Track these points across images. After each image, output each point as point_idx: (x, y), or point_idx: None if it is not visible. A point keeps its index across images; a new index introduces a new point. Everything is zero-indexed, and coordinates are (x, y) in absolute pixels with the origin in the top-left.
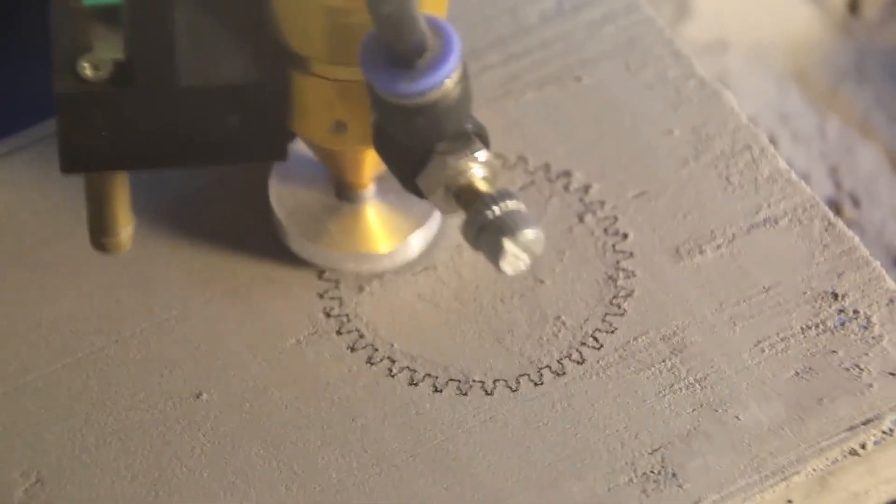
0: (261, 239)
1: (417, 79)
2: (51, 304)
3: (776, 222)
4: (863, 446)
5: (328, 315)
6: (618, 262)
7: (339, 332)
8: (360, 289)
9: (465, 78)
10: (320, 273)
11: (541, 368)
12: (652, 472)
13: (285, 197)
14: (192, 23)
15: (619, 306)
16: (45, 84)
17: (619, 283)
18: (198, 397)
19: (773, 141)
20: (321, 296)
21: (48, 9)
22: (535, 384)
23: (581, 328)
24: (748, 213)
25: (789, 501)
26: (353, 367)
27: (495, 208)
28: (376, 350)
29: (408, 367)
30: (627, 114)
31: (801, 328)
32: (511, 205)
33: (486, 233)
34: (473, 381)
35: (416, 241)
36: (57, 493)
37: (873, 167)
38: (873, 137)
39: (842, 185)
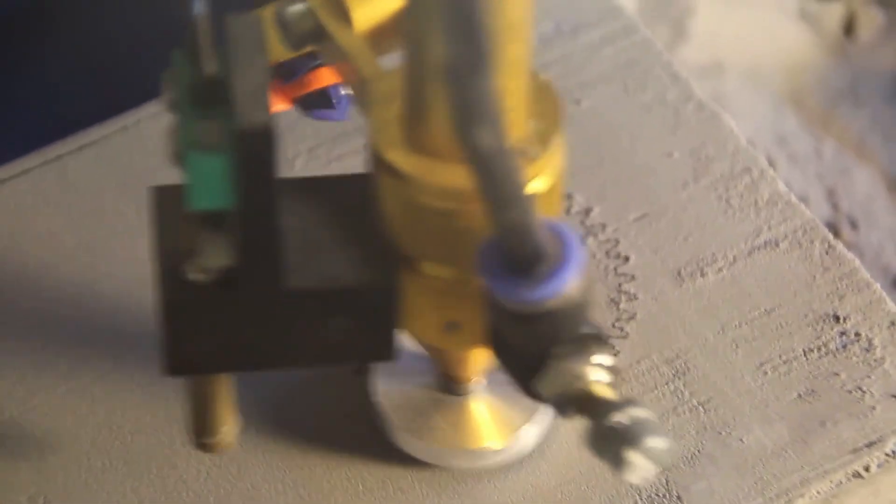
0: None
1: (537, 286)
2: (56, 327)
3: (777, 245)
4: (866, 469)
5: None
6: (620, 284)
7: None
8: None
9: (587, 283)
10: None
11: None
12: (657, 495)
13: (389, 391)
14: (301, 224)
15: (621, 329)
16: (47, 107)
17: (622, 306)
18: None
19: (770, 163)
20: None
21: (151, 209)
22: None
23: None
24: (749, 236)
25: None
26: (357, 389)
27: (617, 416)
28: None
29: None
30: (626, 136)
31: (804, 350)
32: (634, 412)
33: (609, 442)
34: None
35: (529, 435)
36: None
37: (870, 189)
38: (869, 159)
39: (839, 207)
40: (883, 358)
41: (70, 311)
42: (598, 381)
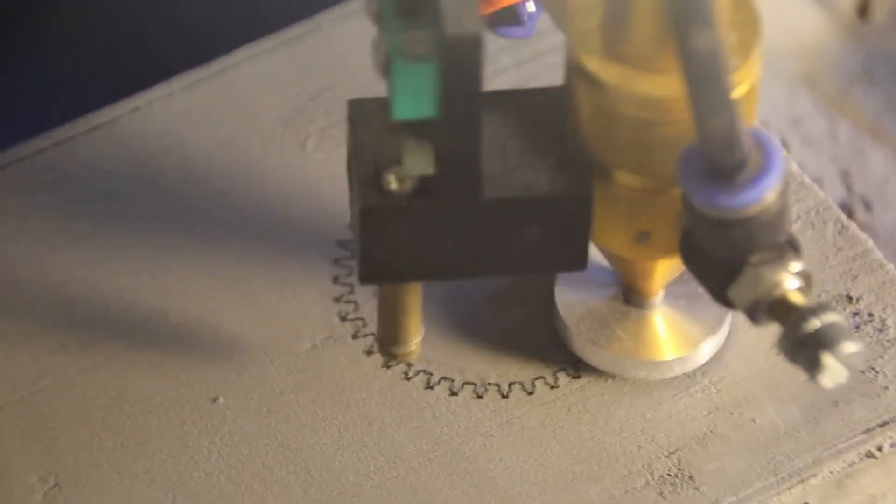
0: (275, 243)
1: (738, 193)
2: (66, 308)
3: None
4: (879, 448)
5: (344, 319)
6: None
7: (354, 337)
8: (376, 293)
9: (785, 191)
10: (335, 277)
11: (556, 371)
12: (668, 474)
13: (573, 302)
14: (498, 134)
15: None
16: (58, 88)
17: None
18: (214, 401)
19: (784, 145)
20: (337, 300)
21: (348, 116)
22: (551, 387)
23: None
24: None
25: None
26: (368, 372)
27: (812, 322)
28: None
29: (424, 371)
30: None
31: None
32: (828, 317)
33: (804, 347)
34: (489, 384)
35: (707, 349)
36: (75, 496)
37: (885, 171)
38: (884, 141)
39: (853, 188)
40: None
41: (81, 292)
42: (791, 288)
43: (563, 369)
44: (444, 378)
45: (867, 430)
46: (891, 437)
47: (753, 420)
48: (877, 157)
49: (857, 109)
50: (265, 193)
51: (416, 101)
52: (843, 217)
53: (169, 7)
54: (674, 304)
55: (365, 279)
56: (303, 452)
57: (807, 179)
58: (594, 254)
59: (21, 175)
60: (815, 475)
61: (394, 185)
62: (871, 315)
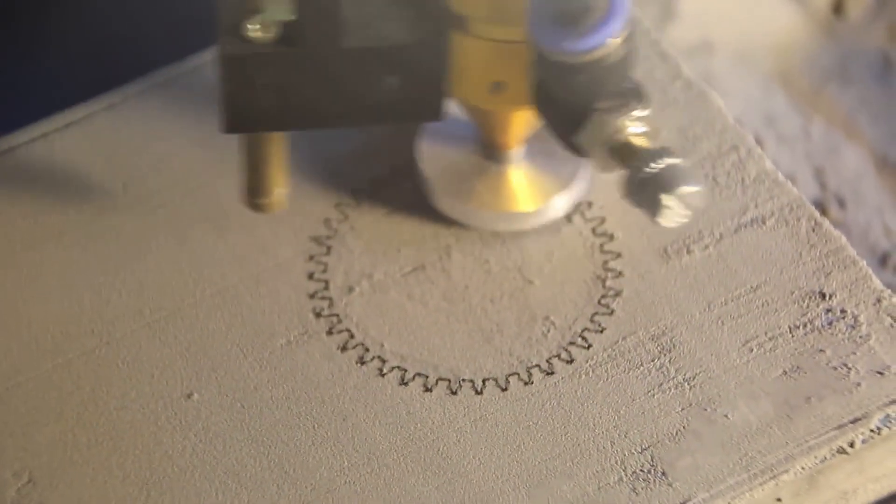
0: (250, 239)
1: (584, 37)
2: (41, 305)
3: (763, 222)
4: (851, 445)
5: (318, 315)
6: (606, 262)
7: (329, 333)
8: (350, 289)
9: (630, 38)
10: (310, 273)
11: (530, 368)
12: (641, 470)
13: (434, 157)
14: None
15: (607, 306)
16: (34, 85)
17: (608, 283)
18: (189, 397)
19: (758, 142)
20: (311, 296)
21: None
22: (525, 383)
23: (570, 328)
24: (735, 213)
25: (778, 500)
26: (343, 367)
27: (654, 164)
28: (367, 350)
29: (398, 367)
30: None
31: (789, 327)
32: (670, 160)
33: (645, 188)
34: (463, 380)
35: (562, 203)
36: (49, 492)
37: (858, 168)
38: (858, 138)
39: (827, 185)
40: (868, 335)
41: (55, 288)
42: (636, 133)
43: (536, 366)
44: (419, 374)
45: (839, 427)
46: (862, 434)
47: (726, 416)
48: (850, 155)
49: (832, 107)
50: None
51: None
52: (817, 214)
53: (144, 5)
54: (531, 161)
55: (228, 128)
56: (277, 448)
57: (780, 177)
58: (458, 111)
59: None
60: (787, 471)
61: (256, 32)
62: (843, 311)
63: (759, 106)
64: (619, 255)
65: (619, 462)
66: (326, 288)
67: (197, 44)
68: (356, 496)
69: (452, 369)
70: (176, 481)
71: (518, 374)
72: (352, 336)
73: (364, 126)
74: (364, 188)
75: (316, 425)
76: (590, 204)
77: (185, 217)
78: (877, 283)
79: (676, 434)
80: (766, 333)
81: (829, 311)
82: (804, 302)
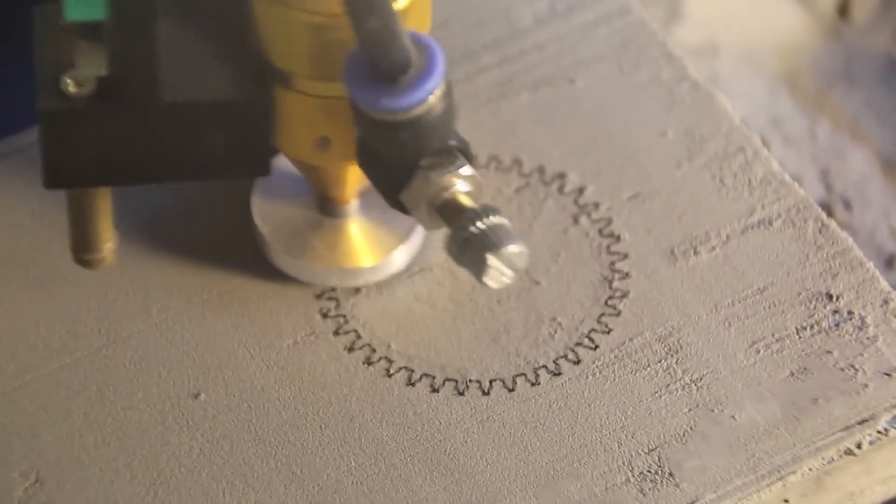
0: (256, 239)
1: (401, 95)
2: (48, 305)
3: (770, 224)
4: (858, 446)
5: (325, 316)
6: (612, 263)
7: (336, 333)
8: (357, 290)
9: (448, 94)
10: None
11: (537, 369)
12: (649, 471)
13: (268, 213)
14: (175, 38)
15: (614, 307)
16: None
17: (615, 284)
18: (196, 397)
19: (764, 144)
20: (318, 297)
21: (34, 27)
22: (532, 384)
23: (577, 329)
24: (742, 215)
25: (785, 501)
26: (350, 368)
27: (479, 223)
28: (374, 350)
29: (405, 368)
30: (621, 116)
31: (796, 329)
32: (494, 220)
33: (470, 248)
34: (470, 381)
35: (400, 256)
36: (56, 492)
37: (864, 170)
38: (864, 141)
39: (833, 187)
40: (875, 336)
41: (62, 287)
42: (460, 191)
43: (543, 367)
44: (426, 375)
45: (846, 428)
46: (870, 435)
47: (733, 417)
48: (856, 157)
49: (837, 109)
50: (249, 189)
51: (86, 2)
52: (824, 216)
53: None
54: (367, 214)
55: (49, 184)
56: (284, 449)
57: (787, 178)
58: (290, 165)
59: (5, 170)
60: (794, 472)
61: (72, 88)
62: (850, 313)
63: (765, 107)
64: (625, 257)
65: (626, 463)
66: (333, 288)
67: None
68: (363, 496)
69: (459, 370)
70: (183, 481)
71: (525, 375)
72: (359, 337)
73: (190, 182)
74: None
75: (323, 426)
76: (596, 205)
77: (194, 216)
78: (884, 284)
79: (683, 435)
80: (773, 335)
81: (836, 312)
82: (811, 303)
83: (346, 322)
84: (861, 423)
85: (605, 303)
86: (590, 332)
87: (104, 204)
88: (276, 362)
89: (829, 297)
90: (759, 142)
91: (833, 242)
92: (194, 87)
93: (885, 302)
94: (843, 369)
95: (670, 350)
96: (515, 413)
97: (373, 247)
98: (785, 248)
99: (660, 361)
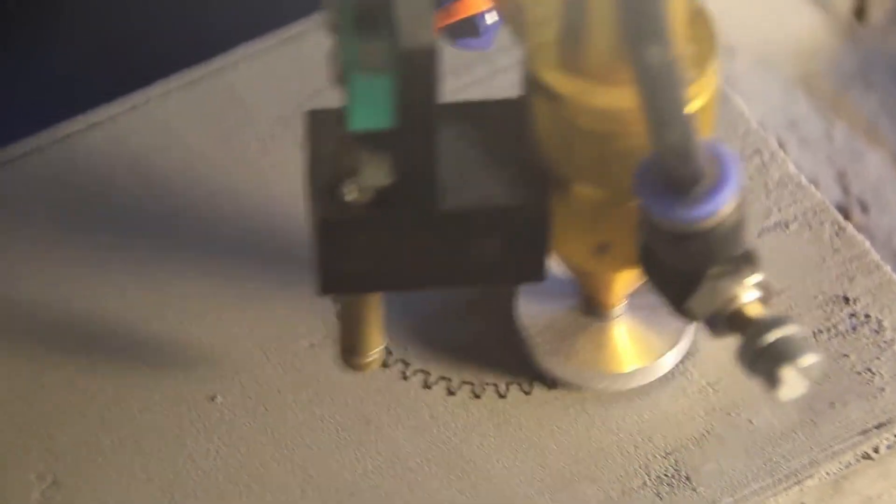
0: (273, 242)
1: (695, 205)
2: (65, 306)
3: (786, 227)
4: (876, 450)
5: None
6: None
7: None
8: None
9: (742, 203)
10: None
11: None
12: (665, 475)
13: (533, 314)
14: (456, 146)
15: None
16: (57, 86)
17: None
18: (212, 400)
19: (780, 146)
20: (335, 300)
21: (304, 127)
22: (549, 387)
23: None
24: (759, 218)
25: None
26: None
27: (770, 334)
28: (390, 353)
29: (421, 371)
30: None
31: (813, 332)
32: (787, 330)
33: (763, 360)
34: (487, 383)
35: (669, 360)
36: (72, 494)
37: (881, 172)
38: (880, 143)
39: (850, 190)
40: (893, 339)
41: (79, 290)
42: (749, 300)
43: None
44: (442, 378)
45: (864, 432)
46: (887, 439)
47: (750, 421)
48: (873, 159)
49: (854, 111)
50: (264, 192)
51: (373, 112)
52: (840, 218)
53: (168, 5)
54: (635, 315)
55: (323, 291)
56: (300, 451)
57: (804, 181)
58: (555, 265)
59: (19, 173)
60: (811, 476)
61: (351, 196)
62: (867, 316)
63: (782, 110)
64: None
65: (642, 466)
66: None
67: (220, 44)
68: (379, 499)
69: (476, 373)
70: (199, 484)
71: (542, 378)
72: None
73: (463, 287)
74: None
75: (339, 429)
76: None
77: (208, 220)
78: None
79: (700, 439)
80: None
81: (852, 315)
82: (828, 307)
83: None
84: (878, 426)
85: None
86: None
87: (375, 309)
88: (292, 365)
89: (846, 300)
90: (776, 144)
91: (850, 245)
92: (474, 193)
93: None
94: (860, 373)
95: (687, 353)
96: (532, 416)
97: (640, 350)
98: (801, 252)
99: (676, 365)
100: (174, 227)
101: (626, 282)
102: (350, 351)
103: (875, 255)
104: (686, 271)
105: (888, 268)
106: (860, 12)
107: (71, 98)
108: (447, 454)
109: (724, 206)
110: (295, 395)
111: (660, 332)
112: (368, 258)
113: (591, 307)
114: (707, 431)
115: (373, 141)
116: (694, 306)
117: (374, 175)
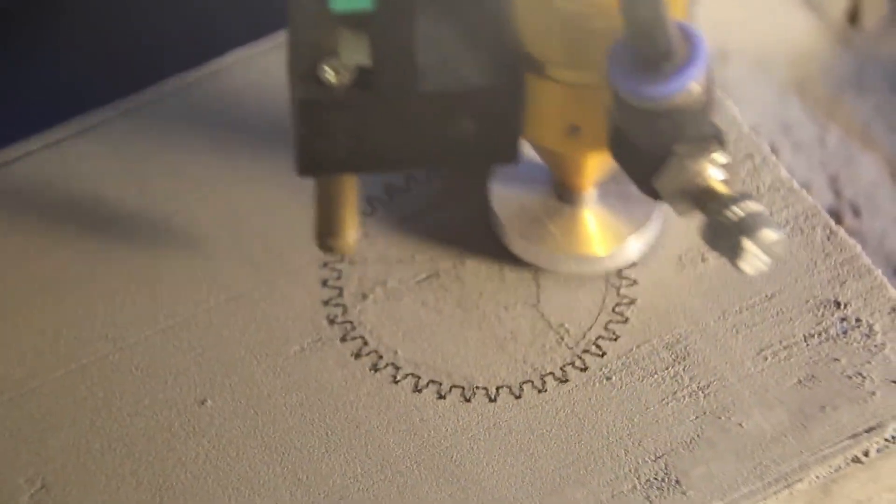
0: (264, 246)
1: (665, 82)
2: (55, 311)
3: None
4: (865, 454)
5: (332, 322)
6: (620, 270)
7: (343, 340)
8: (364, 296)
9: (710, 81)
10: (324, 280)
11: (544, 375)
12: (655, 478)
13: (506, 199)
14: (432, 28)
15: (621, 314)
16: (49, 91)
17: (622, 291)
18: (202, 404)
19: (774, 150)
20: (325, 303)
21: (286, 10)
22: (539, 391)
23: (584, 336)
24: None
25: None
26: (357, 374)
27: (735, 209)
28: (381, 357)
29: (412, 374)
30: None
31: (804, 336)
32: (751, 205)
33: (726, 233)
34: (477, 387)
35: (635, 245)
36: (62, 498)
37: (873, 177)
38: (873, 147)
39: (842, 194)
40: (883, 344)
41: (70, 294)
42: (715, 178)
43: (550, 374)
44: (432, 381)
45: (854, 436)
46: (877, 443)
47: (740, 425)
48: (866, 164)
49: (847, 116)
50: (255, 196)
51: None
52: (832, 222)
53: (160, 11)
54: (605, 202)
55: (302, 171)
56: (290, 455)
57: (795, 185)
58: (529, 152)
59: (12, 177)
60: (801, 480)
61: (331, 76)
62: (858, 320)
63: (775, 114)
64: (633, 264)
65: (632, 470)
66: (340, 295)
67: (214, 49)
68: (369, 503)
69: (466, 377)
70: (189, 488)
71: (532, 382)
72: (365, 343)
73: (438, 168)
74: (379, 196)
75: (329, 432)
76: None
77: (200, 223)
78: (892, 291)
79: (690, 442)
80: (780, 342)
81: (843, 319)
82: (819, 311)
83: (353, 328)
84: (868, 430)
85: (613, 310)
86: (597, 338)
87: (352, 191)
88: (282, 368)
89: (837, 304)
90: (768, 149)
91: (841, 250)
92: (450, 77)
93: (894, 309)
94: (850, 377)
95: (677, 357)
96: (522, 420)
97: (608, 235)
98: (793, 256)
99: (667, 368)
100: (166, 232)
101: (596, 166)
102: (325, 232)
103: (866, 260)
104: (654, 150)
105: (879, 272)
106: (854, 17)
107: (63, 102)
108: (437, 458)
109: (692, 83)
110: (285, 399)
111: (628, 218)
112: (346, 139)
113: (563, 192)
114: (697, 435)
115: (353, 22)
116: (662, 183)
117: (354, 54)
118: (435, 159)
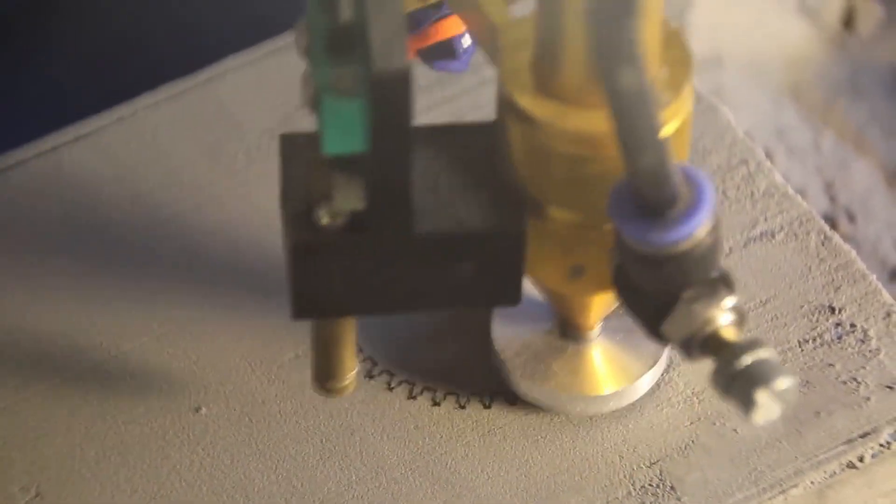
0: (259, 253)
1: (669, 229)
2: (50, 318)
3: (773, 236)
4: (860, 459)
5: None
6: None
7: None
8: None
9: (716, 227)
10: None
11: None
12: (650, 485)
13: (509, 337)
14: (430, 169)
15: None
16: (43, 98)
17: None
18: (197, 411)
19: (768, 156)
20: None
21: (281, 156)
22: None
23: None
24: (745, 227)
25: None
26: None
27: (745, 358)
28: (375, 364)
29: (406, 381)
30: None
31: (798, 341)
32: (761, 353)
33: (738, 384)
34: (472, 394)
35: (645, 383)
36: None
37: (868, 182)
38: (868, 153)
39: (837, 199)
40: (878, 349)
41: (64, 302)
42: (724, 324)
43: None
44: (427, 388)
45: (849, 441)
46: (872, 448)
47: (735, 430)
48: (861, 169)
49: (842, 121)
50: (250, 203)
51: (346, 135)
52: (827, 228)
53: (154, 17)
54: (611, 338)
55: (297, 315)
56: (285, 463)
57: (790, 190)
58: (531, 288)
59: (4, 186)
60: (796, 486)
61: (325, 220)
62: (853, 326)
63: (770, 119)
64: None
65: (627, 476)
66: None
67: (208, 56)
68: None
69: (460, 384)
70: (184, 496)
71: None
72: (360, 350)
73: (439, 311)
74: None
75: (324, 439)
76: None
77: (195, 231)
78: (887, 297)
79: (685, 448)
80: (775, 347)
81: (838, 325)
82: (813, 316)
83: None
84: (863, 436)
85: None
86: None
87: (349, 333)
88: (277, 376)
89: (832, 309)
90: (763, 154)
91: (836, 255)
92: (448, 217)
93: (888, 315)
94: (845, 382)
95: (672, 362)
96: (517, 426)
97: (616, 373)
98: (787, 261)
99: (661, 374)
100: (160, 239)
101: (601, 305)
102: (324, 376)
103: (861, 265)
104: (661, 294)
105: (873, 277)
106: (848, 22)
107: (57, 110)
108: (432, 465)
109: (698, 229)
110: (280, 406)
111: (636, 355)
112: (342, 282)
113: (567, 330)
114: (692, 441)
115: (346, 165)
116: (669, 330)
117: (348, 199)
118: (435, 302)
